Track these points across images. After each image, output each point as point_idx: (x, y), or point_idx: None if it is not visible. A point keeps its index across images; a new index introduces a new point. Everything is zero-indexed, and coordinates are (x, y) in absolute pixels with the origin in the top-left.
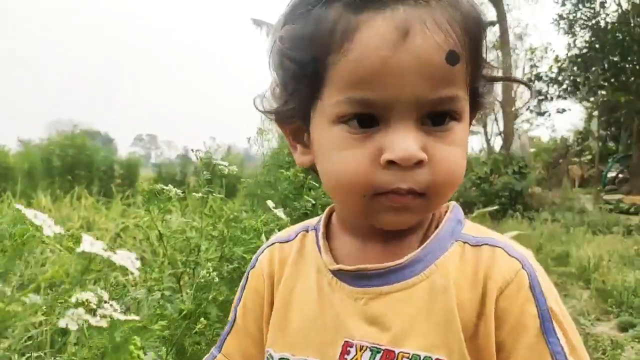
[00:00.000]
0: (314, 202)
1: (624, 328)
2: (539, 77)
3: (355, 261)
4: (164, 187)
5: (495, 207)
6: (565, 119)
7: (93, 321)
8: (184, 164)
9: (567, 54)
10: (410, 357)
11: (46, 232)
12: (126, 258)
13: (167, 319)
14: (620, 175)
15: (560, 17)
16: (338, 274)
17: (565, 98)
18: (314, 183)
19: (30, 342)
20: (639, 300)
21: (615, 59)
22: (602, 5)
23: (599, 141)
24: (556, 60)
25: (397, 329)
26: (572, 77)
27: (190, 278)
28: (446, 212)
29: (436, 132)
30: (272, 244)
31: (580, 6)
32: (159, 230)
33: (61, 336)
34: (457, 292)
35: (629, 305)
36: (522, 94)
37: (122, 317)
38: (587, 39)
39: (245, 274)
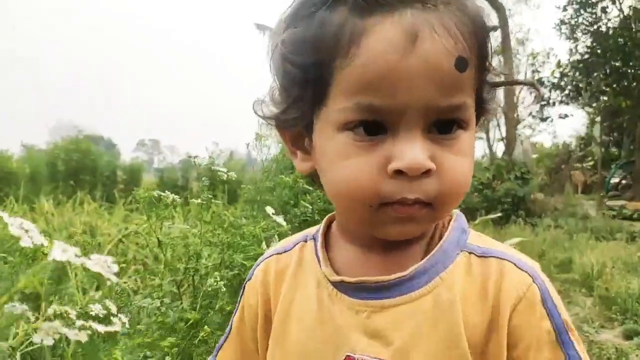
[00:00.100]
0: (310, 206)
1: (628, 336)
2: (540, 83)
3: (356, 272)
4: (162, 193)
5: (499, 214)
6: (567, 124)
7: (71, 334)
8: (186, 169)
9: (569, 59)
10: None
11: (25, 242)
12: (102, 263)
13: (167, 326)
14: (623, 181)
15: (562, 22)
16: (339, 285)
17: (567, 103)
18: (307, 187)
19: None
20: None
21: (617, 64)
22: (604, 10)
23: (601, 147)
24: (558, 65)
25: (400, 343)
26: (574, 83)
27: (190, 285)
28: (450, 221)
29: (443, 140)
30: (270, 256)
31: (582, 11)
32: (158, 238)
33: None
34: (464, 306)
35: (634, 313)
36: (524, 99)
37: (102, 329)
38: (589, 44)
39: (243, 285)
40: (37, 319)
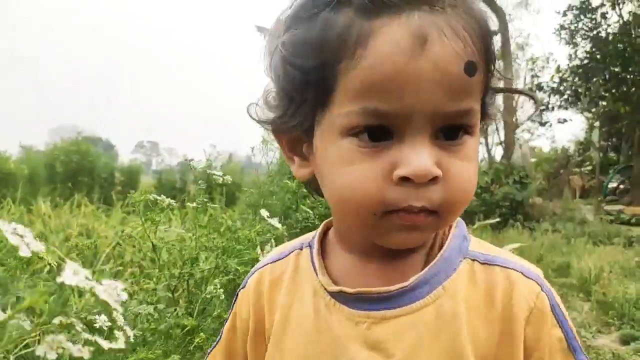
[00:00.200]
0: (311, 211)
1: (625, 341)
2: (540, 87)
3: (354, 282)
4: (158, 197)
5: (497, 220)
6: (566, 129)
7: (75, 350)
8: (183, 172)
9: (568, 64)
10: None
11: (23, 252)
12: (112, 290)
13: (163, 332)
14: (621, 186)
15: (562, 27)
16: (337, 295)
17: (566, 108)
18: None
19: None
20: None
21: (617, 69)
22: (603, 16)
23: (600, 152)
24: (557, 70)
25: (400, 355)
26: (573, 88)
27: (185, 290)
28: (450, 228)
29: (450, 146)
30: (264, 265)
31: (582, 17)
32: (152, 242)
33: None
34: (469, 315)
35: (631, 318)
36: (523, 103)
37: (106, 345)
38: (589, 49)
39: (236, 292)
40: (37, 327)
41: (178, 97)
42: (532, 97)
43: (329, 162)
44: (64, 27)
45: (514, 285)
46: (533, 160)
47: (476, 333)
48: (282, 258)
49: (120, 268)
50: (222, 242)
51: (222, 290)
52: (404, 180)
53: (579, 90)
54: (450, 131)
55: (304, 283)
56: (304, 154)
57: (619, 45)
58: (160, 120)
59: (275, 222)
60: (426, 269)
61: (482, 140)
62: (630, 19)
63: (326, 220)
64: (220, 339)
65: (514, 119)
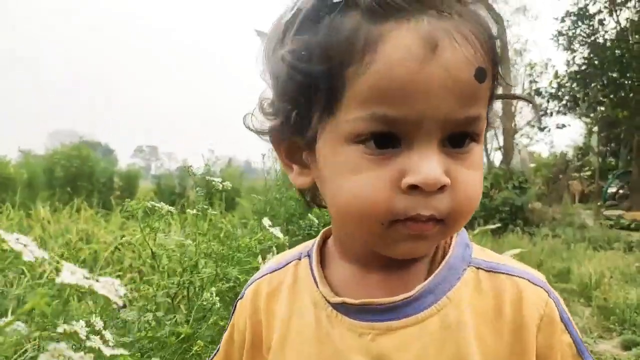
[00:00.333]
0: (316, 220)
1: (627, 346)
2: (538, 93)
3: (356, 292)
4: (156, 204)
5: (497, 225)
6: (564, 134)
7: (76, 357)
8: (183, 177)
9: (566, 70)
10: None
11: (26, 257)
12: (109, 285)
13: (159, 340)
14: (621, 191)
15: (560, 33)
16: (339, 306)
17: (564, 114)
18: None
19: None
20: None
21: (614, 75)
22: (601, 22)
23: (598, 157)
24: (556, 76)
25: None
26: (571, 93)
27: (184, 297)
28: (452, 236)
29: (456, 154)
30: (262, 276)
31: (580, 23)
32: (151, 249)
33: None
34: (477, 324)
35: (632, 323)
36: (521, 109)
37: (109, 352)
38: (586, 55)
39: (235, 303)
40: (37, 332)
41: (178, 97)
42: (530, 102)
43: (333, 169)
44: (64, 27)
45: (522, 292)
46: (532, 165)
47: (484, 342)
48: (280, 268)
49: (120, 273)
50: (222, 249)
51: (217, 298)
52: (412, 188)
53: (577, 95)
54: (457, 139)
55: (304, 294)
56: (304, 161)
57: (616, 51)
58: (160, 120)
59: (277, 231)
60: (430, 278)
61: None
62: (628, 25)
63: (325, 229)
64: (218, 349)
65: (512, 124)
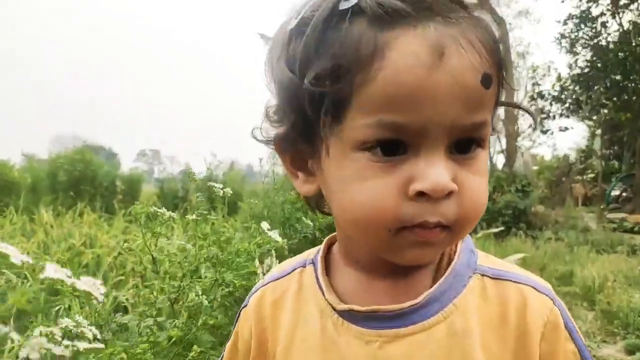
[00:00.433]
0: (311, 223)
1: (630, 351)
2: (541, 95)
3: (362, 299)
4: (159, 210)
5: (500, 228)
6: (567, 137)
7: (57, 351)
8: (185, 180)
9: (569, 73)
10: None
11: (15, 259)
12: (90, 284)
13: (160, 346)
14: (624, 194)
15: (562, 36)
16: (345, 314)
17: (567, 116)
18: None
19: None
20: None
21: (617, 77)
22: (604, 25)
23: (601, 160)
24: (558, 78)
25: None
26: (574, 96)
27: (184, 302)
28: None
29: (463, 160)
30: (266, 283)
31: (582, 26)
32: (152, 255)
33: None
34: (482, 331)
35: (636, 327)
36: (524, 112)
37: (87, 346)
38: (589, 58)
39: (238, 311)
40: (26, 338)
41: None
42: (528, 112)
43: (340, 177)
44: (64, 27)
45: (527, 300)
46: (535, 168)
47: (489, 349)
48: (285, 276)
49: (122, 278)
50: (221, 255)
51: (204, 297)
52: (420, 195)
53: (580, 98)
54: (463, 144)
55: (309, 301)
56: (309, 169)
57: (619, 53)
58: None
59: (275, 234)
60: (436, 285)
61: None
62: (630, 27)
63: (329, 236)
64: (222, 357)
65: (515, 127)
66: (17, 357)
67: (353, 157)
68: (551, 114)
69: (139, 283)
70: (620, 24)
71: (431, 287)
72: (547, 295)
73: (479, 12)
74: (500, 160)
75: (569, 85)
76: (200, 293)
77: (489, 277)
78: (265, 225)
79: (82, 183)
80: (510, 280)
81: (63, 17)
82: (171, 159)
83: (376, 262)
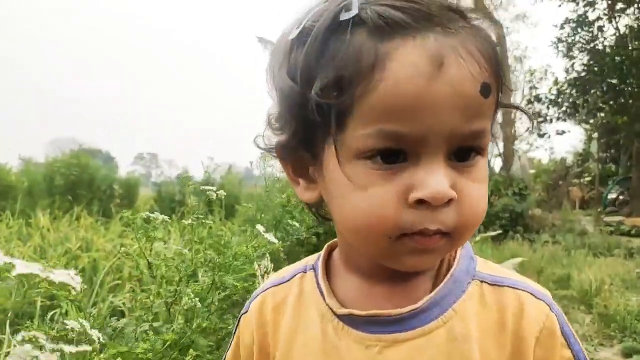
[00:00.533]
0: (297, 224)
1: (627, 354)
2: (538, 99)
3: (363, 304)
4: (151, 215)
5: (498, 232)
6: (564, 140)
7: (42, 357)
8: (183, 184)
9: (566, 77)
10: None
11: None
12: (65, 275)
13: (156, 351)
14: (621, 197)
15: (559, 40)
16: (345, 318)
17: (564, 120)
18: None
19: None
20: None
21: (614, 81)
22: (600, 29)
23: (598, 163)
24: (555, 82)
25: None
26: (571, 100)
27: (181, 306)
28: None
29: (462, 167)
30: (266, 289)
31: (579, 30)
32: (147, 260)
33: None
34: (481, 337)
35: (633, 330)
36: (521, 115)
37: (73, 350)
38: (586, 61)
39: (238, 317)
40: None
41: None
42: (525, 113)
43: (341, 185)
44: (64, 27)
45: (524, 305)
46: (532, 171)
47: (488, 355)
48: (285, 281)
49: (119, 282)
50: (218, 258)
51: (197, 299)
52: (420, 202)
53: (577, 102)
54: (462, 152)
55: (310, 306)
56: (311, 176)
57: (616, 57)
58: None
59: (271, 236)
60: (436, 290)
61: None
62: (627, 32)
63: (330, 242)
64: None
65: (512, 131)
66: None
67: (354, 165)
68: (548, 118)
69: (135, 287)
70: (617, 28)
71: (430, 292)
72: (544, 302)
73: (478, 21)
74: (497, 164)
75: (566, 88)
76: (192, 296)
77: (488, 283)
78: (260, 227)
79: (79, 187)
80: (509, 287)
81: (63, 17)
82: (169, 163)
83: (376, 267)
